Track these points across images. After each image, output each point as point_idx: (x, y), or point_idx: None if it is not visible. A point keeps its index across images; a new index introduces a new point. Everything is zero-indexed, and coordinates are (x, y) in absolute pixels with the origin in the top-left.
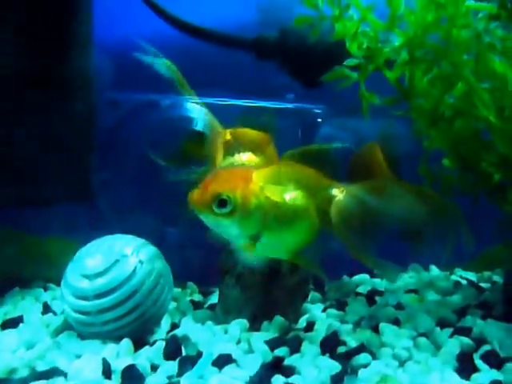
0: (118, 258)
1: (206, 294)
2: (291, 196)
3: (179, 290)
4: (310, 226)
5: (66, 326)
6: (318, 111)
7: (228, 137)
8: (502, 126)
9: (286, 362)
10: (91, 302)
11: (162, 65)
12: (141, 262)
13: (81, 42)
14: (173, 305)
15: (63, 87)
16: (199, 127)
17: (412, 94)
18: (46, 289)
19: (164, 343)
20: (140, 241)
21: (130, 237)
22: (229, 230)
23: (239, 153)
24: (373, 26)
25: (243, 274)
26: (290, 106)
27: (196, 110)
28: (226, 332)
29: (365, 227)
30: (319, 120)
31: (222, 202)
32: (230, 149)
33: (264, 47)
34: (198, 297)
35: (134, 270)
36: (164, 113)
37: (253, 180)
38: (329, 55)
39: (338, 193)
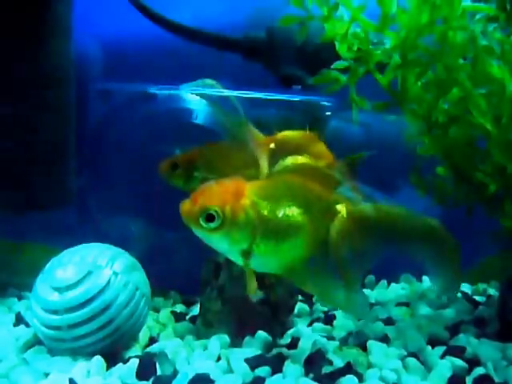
0: (91, 269)
1: (190, 303)
2: (285, 211)
3: (161, 299)
4: (305, 243)
5: (36, 341)
6: (327, 104)
7: (272, 146)
8: (499, 134)
9: (267, 383)
10: (61, 316)
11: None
12: (115, 273)
13: (58, 31)
14: (153, 316)
15: (37, 80)
16: (199, 120)
17: (405, 99)
18: (20, 298)
19: (138, 361)
20: (116, 250)
21: (105, 246)
22: (218, 244)
23: (285, 158)
24: (363, 27)
25: (225, 286)
26: (297, 98)
27: (196, 102)
28: (205, 348)
29: (363, 248)
30: (328, 113)
31: (210, 217)
32: (276, 156)
33: (250, 47)
34: (180, 307)
35: (108, 283)
36: (161, 105)
37: (244, 194)
38: (318, 56)
39: (340, 210)
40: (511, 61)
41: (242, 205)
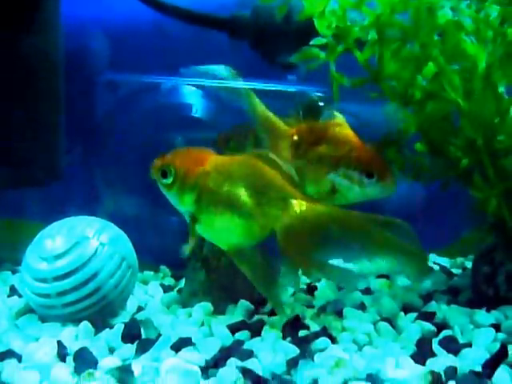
0: (79, 240)
1: (179, 277)
2: (232, 188)
3: (151, 273)
4: (248, 225)
5: (27, 309)
6: (320, 94)
7: (295, 137)
8: (470, 110)
9: (245, 346)
10: (50, 284)
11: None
12: (102, 244)
13: (46, 20)
14: (142, 288)
15: (27, 66)
16: (199, 114)
17: (381, 76)
18: (14, 272)
19: (123, 326)
20: (103, 222)
21: (92, 218)
22: (171, 200)
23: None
24: (341, 4)
25: (208, 257)
26: (292, 88)
27: (195, 95)
28: (190, 315)
29: (312, 246)
30: (321, 104)
31: (164, 173)
32: (302, 147)
33: (236, 26)
34: (169, 280)
35: (95, 253)
36: (162, 99)
37: (203, 163)
38: (302, 35)
39: (294, 205)
40: (485, 38)
41: (195, 171)
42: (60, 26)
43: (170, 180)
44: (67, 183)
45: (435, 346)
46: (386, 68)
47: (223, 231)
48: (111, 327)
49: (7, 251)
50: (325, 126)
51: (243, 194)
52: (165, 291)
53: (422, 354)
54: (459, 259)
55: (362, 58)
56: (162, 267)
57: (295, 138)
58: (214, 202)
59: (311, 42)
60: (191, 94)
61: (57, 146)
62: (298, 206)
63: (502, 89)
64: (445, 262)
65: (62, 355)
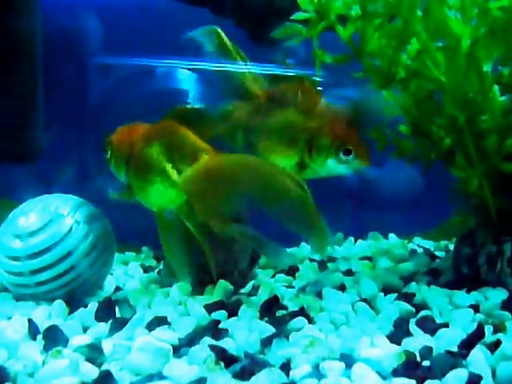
0: (53, 217)
1: (160, 259)
2: (153, 156)
3: (133, 254)
4: (171, 188)
5: (2, 288)
6: (318, 79)
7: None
8: (453, 87)
9: (221, 326)
10: (23, 262)
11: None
12: (77, 222)
13: (21, 7)
14: (122, 268)
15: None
16: (192, 99)
17: (364, 52)
18: None
19: (97, 305)
20: (78, 200)
21: (68, 196)
22: (114, 173)
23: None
24: None
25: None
26: (291, 72)
27: (190, 80)
28: (167, 295)
29: (219, 198)
30: (319, 88)
31: (104, 150)
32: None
33: (220, 2)
34: (150, 262)
35: (70, 231)
36: (158, 83)
37: (133, 136)
38: (286, 10)
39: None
40: (471, 16)
41: (124, 143)
42: (36, 6)
43: (108, 155)
44: (47, 162)
45: (412, 326)
46: (368, 44)
47: (151, 194)
48: (86, 306)
49: None
50: (297, 89)
51: (162, 158)
52: (145, 272)
53: (398, 334)
54: (443, 242)
55: (344, 35)
56: (144, 248)
57: (262, 99)
58: (139, 168)
59: (292, 17)
60: (187, 79)
61: (36, 123)
62: (203, 158)
63: (487, 67)
64: (429, 244)
65: (32, 333)
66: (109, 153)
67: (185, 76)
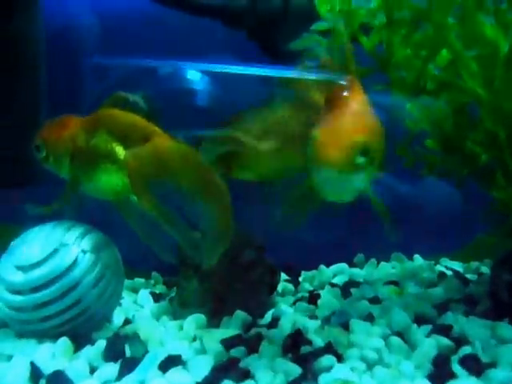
0: (57, 246)
1: (171, 285)
2: (100, 144)
3: (142, 280)
4: (119, 172)
5: (2, 324)
6: (343, 82)
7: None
8: (491, 100)
9: (241, 364)
10: (26, 296)
11: None
12: (83, 251)
13: (24, 8)
14: (131, 297)
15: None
16: (203, 101)
17: (390, 64)
18: None
19: (106, 342)
20: (85, 227)
21: (72, 223)
22: (53, 171)
23: None
24: None
25: (201, 264)
26: (312, 76)
27: (200, 80)
28: (181, 329)
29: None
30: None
31: (37, 149)
32: None
33: (231, 13)
34: (160, 288)
35: (76, 261)
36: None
37: (68, 128)
38: (304, 23)
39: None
40: (505, 21)
41: (63, 136)
42: (39, 6)
43: (43, 153)
44: (50, 185)
45: (454, 366)
46: (395, 55)
47: (105, 184)
48: (93, 343)
49: None
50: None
51: (109, 144)
52: (155, 300)
53: (440, 374)
54: (473, 264)
55: (368, 45)
56: (154, 273)
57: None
58: (88, 160)
59: (313, 27)
60: (193, 79)
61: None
62: (155, 139)
63: None
64: (458, 266)
65: (35, 377)
66: (44, 152)
67: (194, 77)
